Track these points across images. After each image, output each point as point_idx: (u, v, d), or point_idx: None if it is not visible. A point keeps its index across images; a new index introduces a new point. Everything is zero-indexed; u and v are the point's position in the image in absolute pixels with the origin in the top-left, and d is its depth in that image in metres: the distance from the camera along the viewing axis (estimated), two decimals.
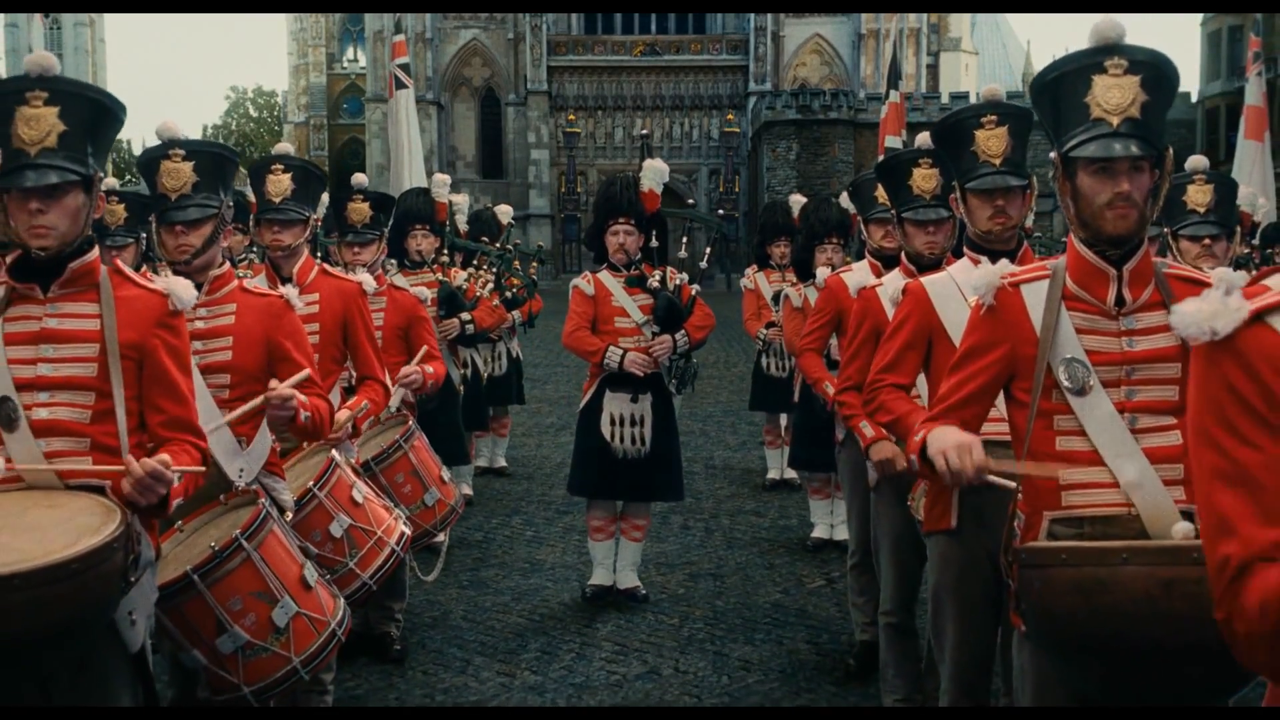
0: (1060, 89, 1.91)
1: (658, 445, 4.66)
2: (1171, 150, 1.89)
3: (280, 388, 2.52)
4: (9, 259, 3.63)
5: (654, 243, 4.76)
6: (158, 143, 2.71)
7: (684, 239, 5.21)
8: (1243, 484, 1.19)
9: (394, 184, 8.43)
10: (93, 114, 2.10)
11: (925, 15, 44.72)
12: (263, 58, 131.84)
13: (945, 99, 39.32)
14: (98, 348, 2.08)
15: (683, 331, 4.66)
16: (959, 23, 48.95)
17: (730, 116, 44.47)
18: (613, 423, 4.63)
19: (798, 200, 6.74)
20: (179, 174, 2.66)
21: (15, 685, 2.01)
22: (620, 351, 4.57)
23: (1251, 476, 1.19)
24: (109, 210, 4.22)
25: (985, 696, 2.75)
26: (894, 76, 10.08)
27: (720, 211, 37.09)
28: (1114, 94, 1.83)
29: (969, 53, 50.10)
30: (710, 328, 4.87)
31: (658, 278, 4.70)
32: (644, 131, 31.09)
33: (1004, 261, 2.12)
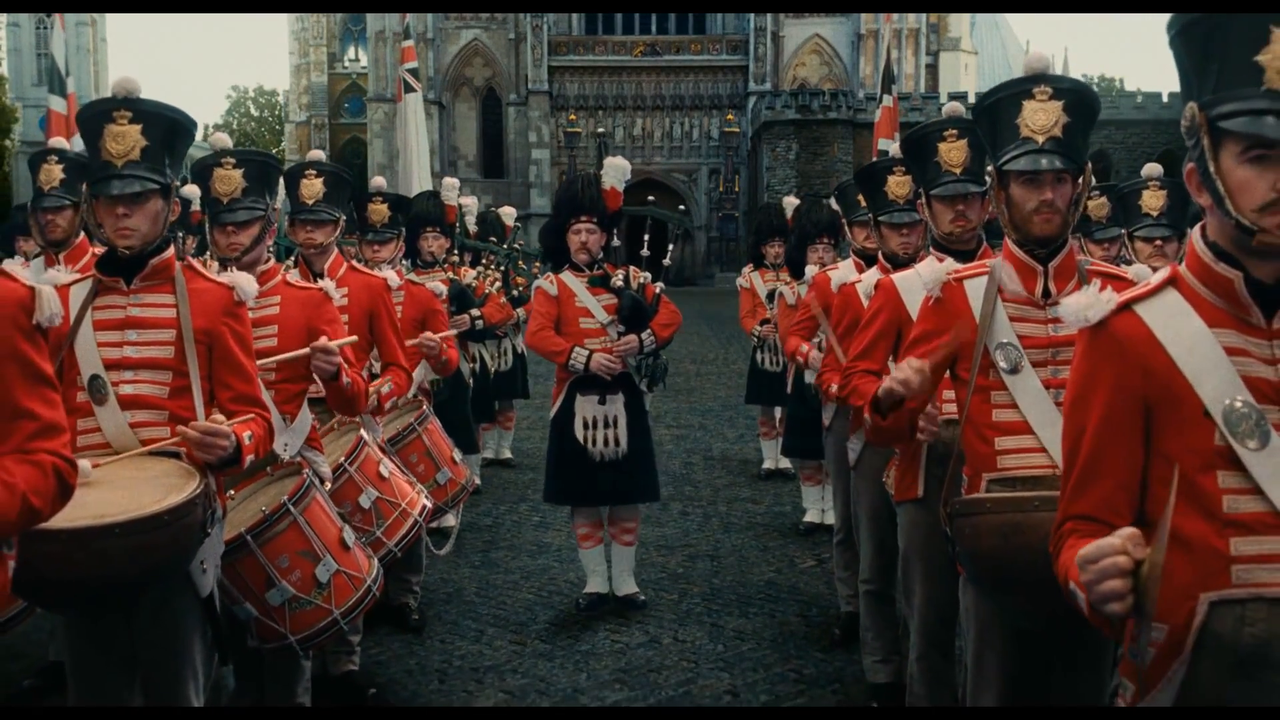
0: (997, 111, 2.25)
1: (633, 446, 4.60)
2: (1090, 165, 2.22)
3: (329, 342, 2.84)
4: (51, 254, 3.95)
5: (615, 241, 4.71)
6: (210, 152, 3.05)
7: (645, 237, 5.04)
8: (1083, 455, 1.53)
9: (402, 187, 8.75)
10: (170, 130, 2.43)
11: (924, 15, 45.01)
12: (264, 57, 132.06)
13: (944, 99, 39.52)
14: (174, 333, 2.41)
15: (649, 331, 4.59)
16: (958, 22, 49.15)
17: (730, 116, 44.80)
18: (586, 426, 4.57)
19: (791, 202, 7.07)
20: (230, 180, 2.99)
21: (105, 619, 2.34)
22: (586, 353, 4.49)
23: (1092, 449, 1.53)
24: None
25: (950, 647, 3.08)
26: (887, 80, 10.40)
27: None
28: (1040, 116, 2.17)
29: (968, 52, 50.28)
30: (676, 325, 4.78)
31: (621, 277, 4.61)
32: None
33: (949, 260, 2.45)
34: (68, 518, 2.08)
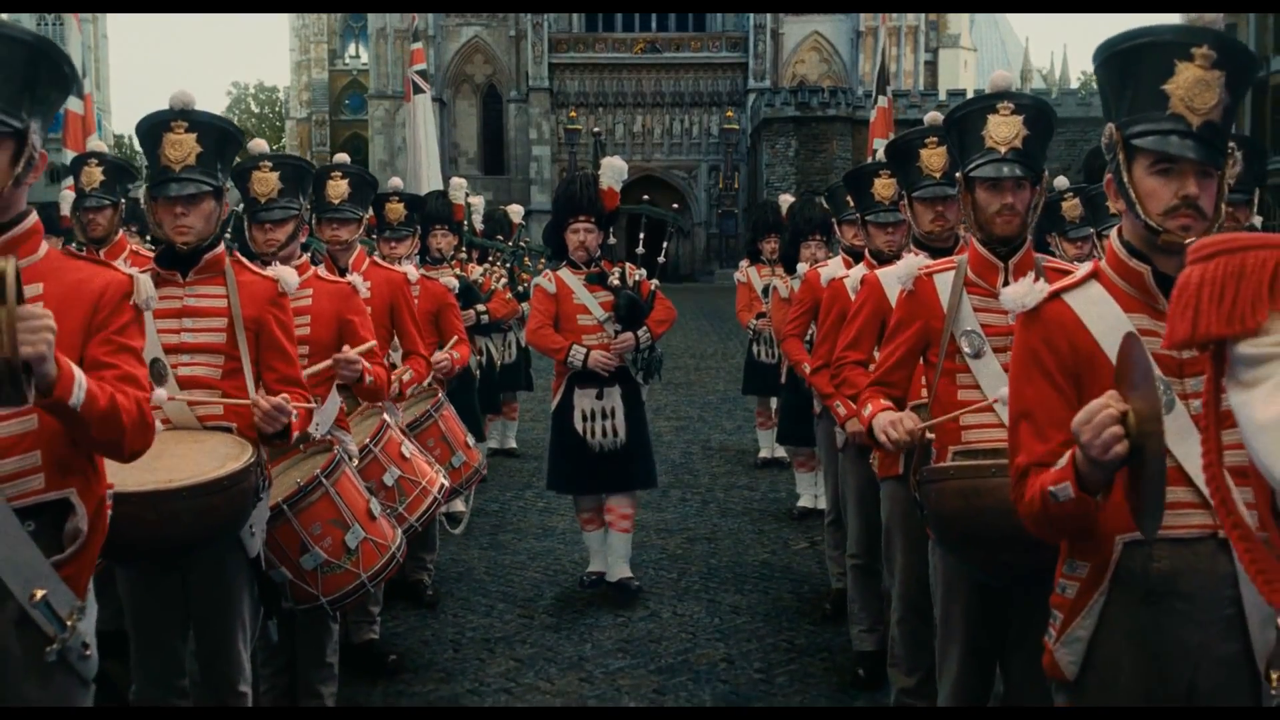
0: (965, 124, 2.52)
1: (630, 435, 4.77)
2: (1047, 172, 2.49)
3: (349, 352, 3.13)
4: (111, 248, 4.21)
5: (612, 239, 4.85)
6: (250, 157, 3.32)
7: (641, 235, 5.23)
8: (1032, 415, 1.80)
9: (410, 186, 8.99)
10: (221, 138, 2.70)
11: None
12: (265, 54, 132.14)
13: (943, 96, 39.76)
14: (226, 321, 2.68)
15: (644, 327, 4.75)
16: (958, 19, 49.34)
17: (730, 113, 45.02)
18: (584, 418, 4.75)
19: (786, 200, 7.33)
20: (267, 182, 3.27)
21: (163, 577, 2.61)
22: (584, 350, 4.66)
23: (1039, 410, 1.80)
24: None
25: (928, 612, 3.31)
26: (882, 81, 10.63)
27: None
28: (1003, 129, 2.44)
29: (968, 49, 50.49)
30: (671, 321, 4.96)
31: (617, 274, 4.76)
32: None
33: (923, 256, 2.73)
34: (139, 482, 2.35)
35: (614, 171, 4.77)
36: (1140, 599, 1.74)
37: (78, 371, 1.79)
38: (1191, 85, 1.70)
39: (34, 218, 2.05)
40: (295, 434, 2.64)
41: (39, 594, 1.90)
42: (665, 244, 5.97)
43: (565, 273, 4.79)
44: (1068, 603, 1.83)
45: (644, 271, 4.91)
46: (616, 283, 4.72)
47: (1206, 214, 1.73)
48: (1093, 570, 1.79)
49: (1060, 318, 1.82)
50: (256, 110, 69.47)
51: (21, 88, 1.91)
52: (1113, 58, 1.78)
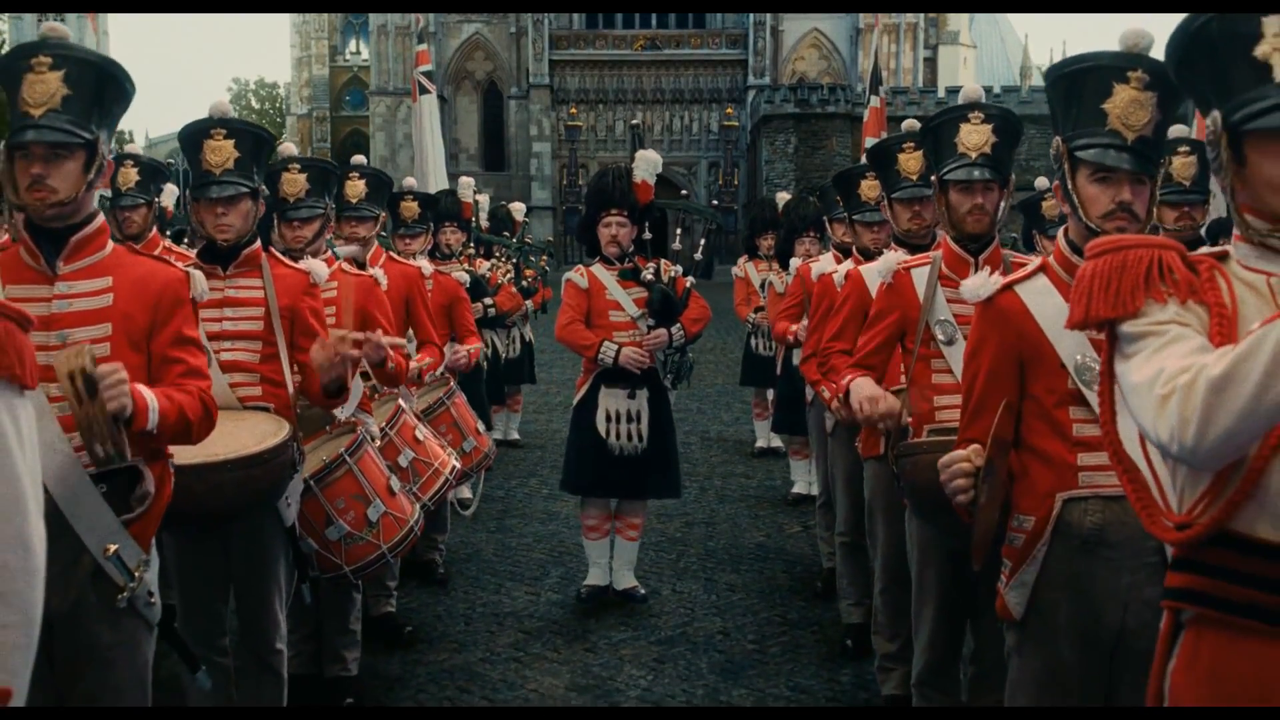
0: (939, 132, 2.77)
1: (654, 441, 4.59)
2: (1014, 176, 2.75)
3: (381, 337, 3.38)
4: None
5: (646, 235, 4.68)
6: (280, 159, 3.56)
7: (678, 231, 5.07)
8: (971, 396, 2.07)
9: (418, 185, 9.24)
10: (256, 143, 2.94)
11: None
12: (265, 50, 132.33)
13: (941, 93, 39.94)
14: (263, 310, 2.93)
15: (678, 325, 4.59)
16: (957, 17, 49.47)
17: (729, 110, 45.20)
18: (609, 419, 4.56)
19: (783, 197, 7.59)
20: (295, 182, 3.52)
21: (207, 544, 2.86)
22: (615, 347, 4.49)
23: (977, 392, 2.06)
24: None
25: (908, 581, 3.59)
26: (875, 82, 10.88)
27: (715, 203, 36.08)
28: (974, 136, 2.69)
29: (967, 46, 50.63)
30: (706, 320, 4.78)
31: (652, 270, 4.61)
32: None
33: (902, 252, 2.98)
34: (187, 456, 2.60)
35: (648, 164, 4.63)
36: (1076, 548, 2.00)
37: (149, 397, 2.09)
38: (1127, 105, 1.95)
39: (101, 218, 2.31)
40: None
41: (111, 549, 2.16)
42: (705, 241, 5.92)
43: (598, 268, 4.63)
44: (1015, 552, 2.09)
45: (680, 268, 4.79)
46: (650, 277, 4.58)
47: (1139, 216, 1.98)
48: (1036, 523, 2.05)
49: (1012, 307, 2.08)
50: (257, 106, 69.52)
51: (91, 103, 2.18)
52: (1059, 80, 2.03)
